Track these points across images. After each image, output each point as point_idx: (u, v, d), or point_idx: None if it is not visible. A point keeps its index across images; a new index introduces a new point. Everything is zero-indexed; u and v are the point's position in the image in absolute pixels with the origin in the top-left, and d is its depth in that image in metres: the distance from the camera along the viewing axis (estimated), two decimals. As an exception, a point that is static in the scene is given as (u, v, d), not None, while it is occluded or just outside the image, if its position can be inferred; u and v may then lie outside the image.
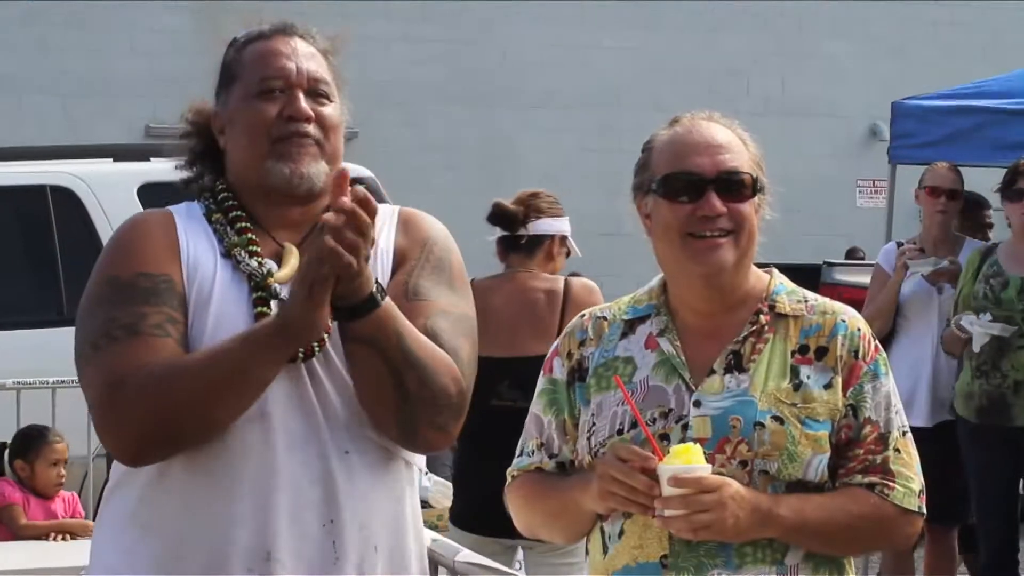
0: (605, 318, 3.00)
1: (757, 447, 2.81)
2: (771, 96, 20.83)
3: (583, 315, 3.05)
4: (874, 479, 2.87)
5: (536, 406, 3.01)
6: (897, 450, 2.89)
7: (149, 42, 18.87)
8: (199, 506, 2.73)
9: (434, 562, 3.82)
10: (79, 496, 6.75)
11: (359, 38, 19.99)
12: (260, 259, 2.81)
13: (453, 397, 2.76)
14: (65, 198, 8.07)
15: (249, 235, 2.83)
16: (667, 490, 2.72)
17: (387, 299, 2.69)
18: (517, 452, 3.04)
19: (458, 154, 19.91)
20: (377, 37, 19.34)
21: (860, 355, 2.90)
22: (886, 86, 19.09)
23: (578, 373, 2.97)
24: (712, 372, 2.88)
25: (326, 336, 2.75)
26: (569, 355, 2.99)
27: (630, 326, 2.97)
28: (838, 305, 2.98)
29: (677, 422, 2.85)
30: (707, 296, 2.92)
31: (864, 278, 7.81)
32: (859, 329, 2.93)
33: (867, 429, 2.88)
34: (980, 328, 6.58)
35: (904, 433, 2.92)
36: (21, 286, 8.20)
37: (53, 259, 8.00)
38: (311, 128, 2.84)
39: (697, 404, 2.86)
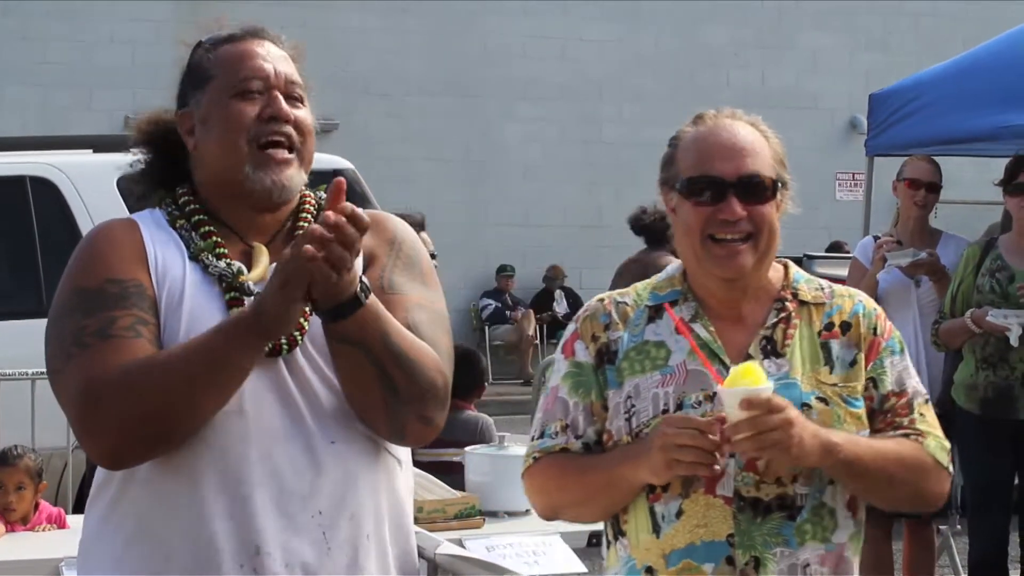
0: (626, 303, 3.04)
1: None
2: (751, 88, 20.84)
3: (601, 299, 3.08)
4: (907, 431, 2.97)
5: (559, 389, 3.02)
6: (922, 414, 3.01)
7: (130, 32, 18.83)
8: (179, 505, 2.69)
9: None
10: (58, 485, 6.68)
11: (340, 29, 20.05)
12: (228, 260, 2.79)
13: (440, 390, 2.76)
14: (45, 189, 8.04)
15: (214, 239, 2.81)
16: (734, 414, 2.73)
17: (371, 297, 2.67)
18: (534, 434, 3.05)
19: (439, 146, 19.89)
20: (358, 28, 19.32)
21: (878, 332, 3.03)
22: (867, 78, 19.13)
23: (606, 356, 3.00)
24: (749, 357, 2.93)
25: (306, 326, 2.74)
26: (594, 338, 3.01)
27: (655, 311, 3.01)
28: (852, 290, 3.10)
29: None
30: (729, 293, 3.00)
31: (844, 271, 7.79)
32: (875, 309, 3.06)
33: (891, 401, 2.99)
34: (1016, 320, 6.51)
35: (926, 401, 3.04)
36: (0, 277, 8.17)
37: (32, 250, 7.98)
38: (290, 130, 2.82)
39: None
